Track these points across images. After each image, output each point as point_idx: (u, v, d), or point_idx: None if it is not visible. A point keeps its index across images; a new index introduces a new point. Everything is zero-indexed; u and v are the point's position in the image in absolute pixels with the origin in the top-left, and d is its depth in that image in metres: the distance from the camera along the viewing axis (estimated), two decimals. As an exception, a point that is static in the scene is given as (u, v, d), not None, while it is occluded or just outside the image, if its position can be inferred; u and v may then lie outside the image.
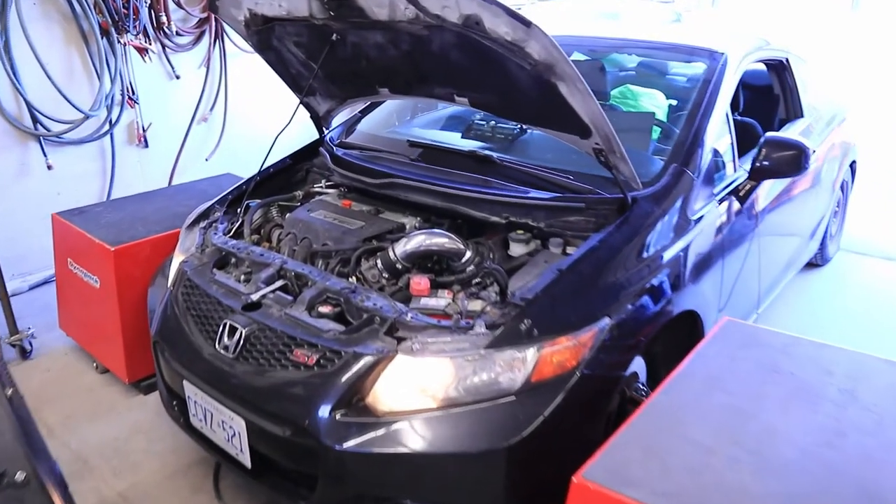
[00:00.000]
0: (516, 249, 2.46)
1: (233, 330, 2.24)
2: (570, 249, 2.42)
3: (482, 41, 2.05)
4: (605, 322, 2.06)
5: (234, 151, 5.36)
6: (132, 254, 3.13)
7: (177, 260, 2.69)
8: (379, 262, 2.40)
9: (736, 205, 2.88)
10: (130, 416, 3.21)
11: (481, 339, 1.97)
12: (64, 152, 4.43)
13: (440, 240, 2.39)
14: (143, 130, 4.78)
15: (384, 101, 3.45)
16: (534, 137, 2.94)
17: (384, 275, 2.39)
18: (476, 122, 3.15)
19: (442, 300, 2.21)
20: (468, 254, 2.40)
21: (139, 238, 3.19)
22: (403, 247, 2.38)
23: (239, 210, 2.92)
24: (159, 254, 3.13)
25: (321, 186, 3.14)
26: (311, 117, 3.20)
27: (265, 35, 2.70)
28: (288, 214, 2.88)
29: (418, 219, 2.68)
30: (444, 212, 2.63)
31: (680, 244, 2.46)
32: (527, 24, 1.84)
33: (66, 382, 3.48)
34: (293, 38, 2.67)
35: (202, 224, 2.84)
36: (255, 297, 2.30)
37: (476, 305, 2.18)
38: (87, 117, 4.34)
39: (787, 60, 3.82)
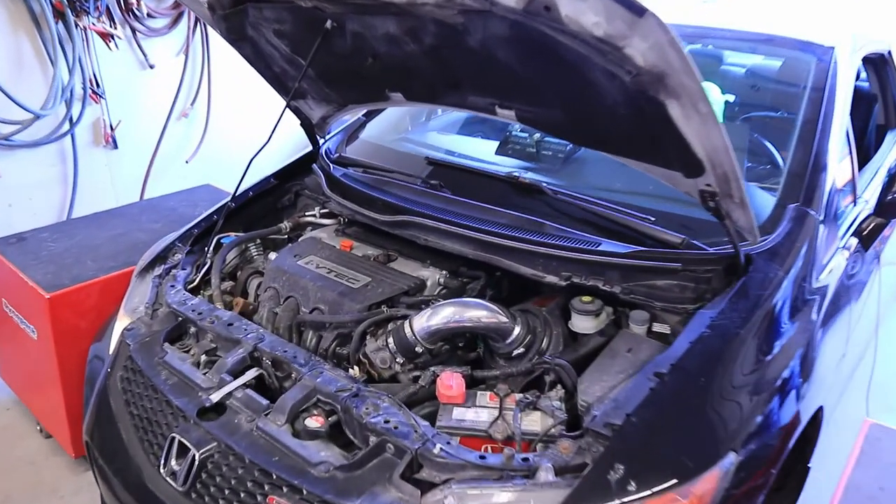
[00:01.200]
0: (581, 324, 1.78)
1: (183, 449, 1.57)
2: (657, 327, 1.73)
3: (551, 35, 1.35)
4: (730, 460, 1.37)
5: (218, 151, 4.66)
6: (74, 301, 2.46)
7: (119, 325, 2.01)
8: (391, 340, 1.72)
9: (857, 250, 2.19)
10: (75, 502, 2.55)
11: (549, 496, 1.30)
12: (15, 157, 3.74)
13: (478, 312, 1.71)
14: (111, 129, 4.08)
15: (395, 104, 2.75)
16: (591, 155, 2.24)
17: (398, 360, 1.72)
18: (514, 132, 2.45)
19: (482, 413, 1.54)
20: (516, 330, 1.72)
21: (84, 280, 2.50)
22: (426, 321, 1.70)
23: (207, 249, 2.23)
24: (109, 300, 2.44)
25: (314, 215, 2.45)
26: (302, 125, 2.51)
27: (236, 21, 2.00)
28: (269, 260, 2.19)
29: (444, 272, 2.00)
30: (480, 264, 1.95)
31: (809, 315, 1.77)
32: (638, 11, 1.14)
33: (5, 449, 2.82)
34: (273, 25, 1.97)
35: (157, 271, 2.16)
36: (215, 397, 1.62)
37: (534, 423, 1.50)
38: (37, 117, 3.63)
39: (889, 54, 3.10)
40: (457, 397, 1.55)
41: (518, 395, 1.58)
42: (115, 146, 4.13)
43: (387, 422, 1.46)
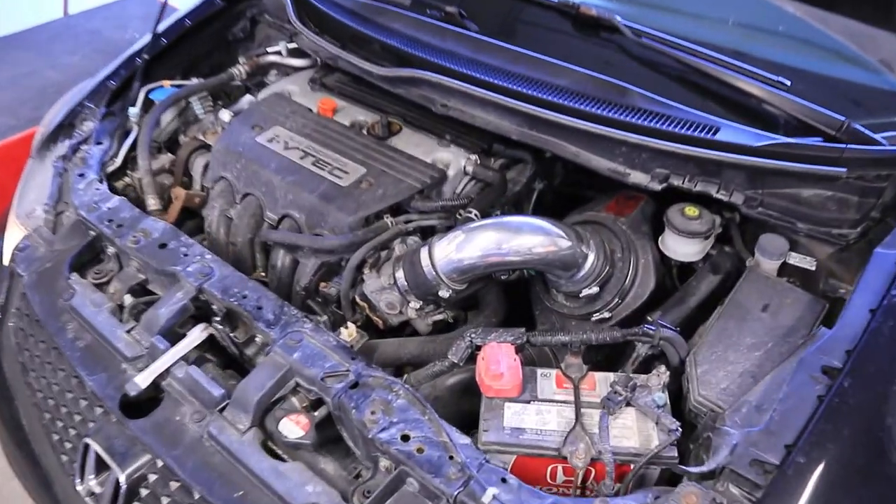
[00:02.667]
0: (682, 248, 1.22)
1: (102, 465, 1.06)
2: (796, 259, 1.17)
3: None
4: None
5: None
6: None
7: (10, 237, 1.41)
8: (401, 275, 1.17)
9: None
10: None
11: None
12: None
13: (531, 239, 1.14)
14: None
15: None
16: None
17: (411, 303, 1.18)
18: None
19: (548, 413, 1.02)
20: (589, 260, 1.17)
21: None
22: (455, 251, 1.14)
23: (131, 109, 1.58)
24: (4, 183, 1.81)
25: (279, 52, 1.76)
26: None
27: None
28: (220, 121, 1.56)
29: (472, 156, 1.38)
30: (525, 144, 1.33)
31: None
32: None
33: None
34: None
35: (61, 148, 1.52)
36: (142, 381, 1.08)
37: (628, 432, 0.99)
38: None
39: None
40: (510, 390, 1.03)
41: (598, 377, 1.06)
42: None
43: (405, 438, 0.95)
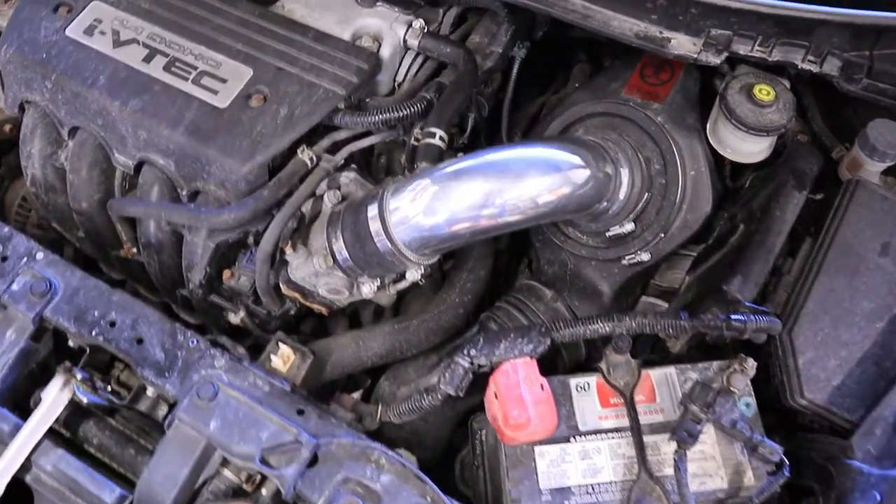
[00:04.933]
0: (748, 146, 0.83)
1: None
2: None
3: None
4: None
5: None
6: None
7: None
8: (341, 247, 0.77)
9: None
10: None
11: None
12: None
13: (541, 181, 0.75)
14: None
15: None
16: None
17: (364, 285, 0.80)
18: None
19: (599, 455, 0.71)
20: (623, 186, 0.80)
21: None
22: (419, 213, 0.75)
23: None
24: None
25: None
26: None
27: None
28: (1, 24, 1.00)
29: (418, 21, 0.89)
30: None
31: None
32: None
33: None
34: None
35: None
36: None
37: (711, 469, 0.70)
38: None
39: None
40: (540, 432, 0.69)
41: (656, 378, 0.73)
42: None
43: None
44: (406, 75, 0.90)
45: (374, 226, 0.75)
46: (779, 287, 0.77)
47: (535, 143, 0.79)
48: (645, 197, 0.82)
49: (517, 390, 0.69)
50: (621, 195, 0.80)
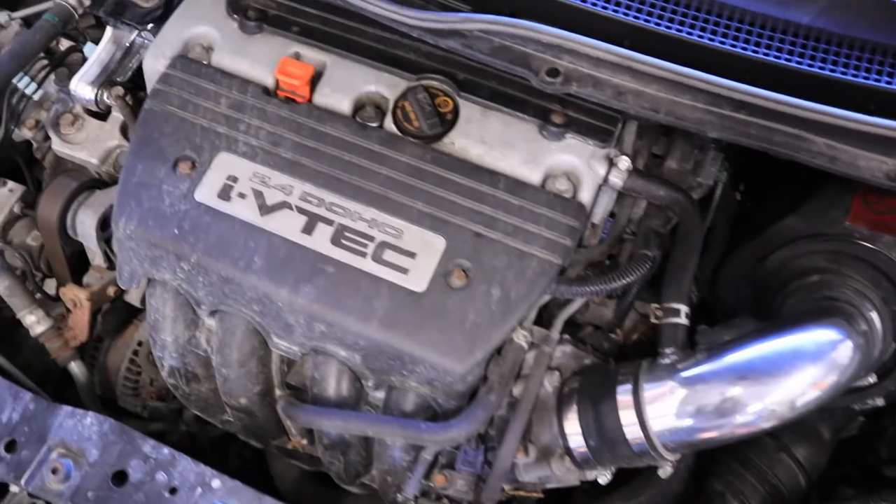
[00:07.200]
0: None
1: None
2: None
3: None
4: None
5: None
6: None
7: None
8: (575, 430, 0.69)
9: None
10: None
11: None
12: None
13: (805, 375, 0.68)
14: None
15: None
16: None
17: (600, 476, 0.73)
18: None
19: None
20: (878, 338, 0.73)
21: None
22: (673, 413, 0.65)
23: None
24: None
25: None
26: None
27: None
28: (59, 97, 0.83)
29: (618, 153, 0.76)
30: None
31: None
32: None
33: None
34: None
35: None
36: None
37: None
38: None
39: None
40: None
41: None
42: None
43: None
44: (601, 215, 0.79)
45: (627, 419, 0.67)
46: None
47: (783, 329, 0.69)
48: (892, 347, 0.75)
49: None
50: (876, 351, 0.73)
